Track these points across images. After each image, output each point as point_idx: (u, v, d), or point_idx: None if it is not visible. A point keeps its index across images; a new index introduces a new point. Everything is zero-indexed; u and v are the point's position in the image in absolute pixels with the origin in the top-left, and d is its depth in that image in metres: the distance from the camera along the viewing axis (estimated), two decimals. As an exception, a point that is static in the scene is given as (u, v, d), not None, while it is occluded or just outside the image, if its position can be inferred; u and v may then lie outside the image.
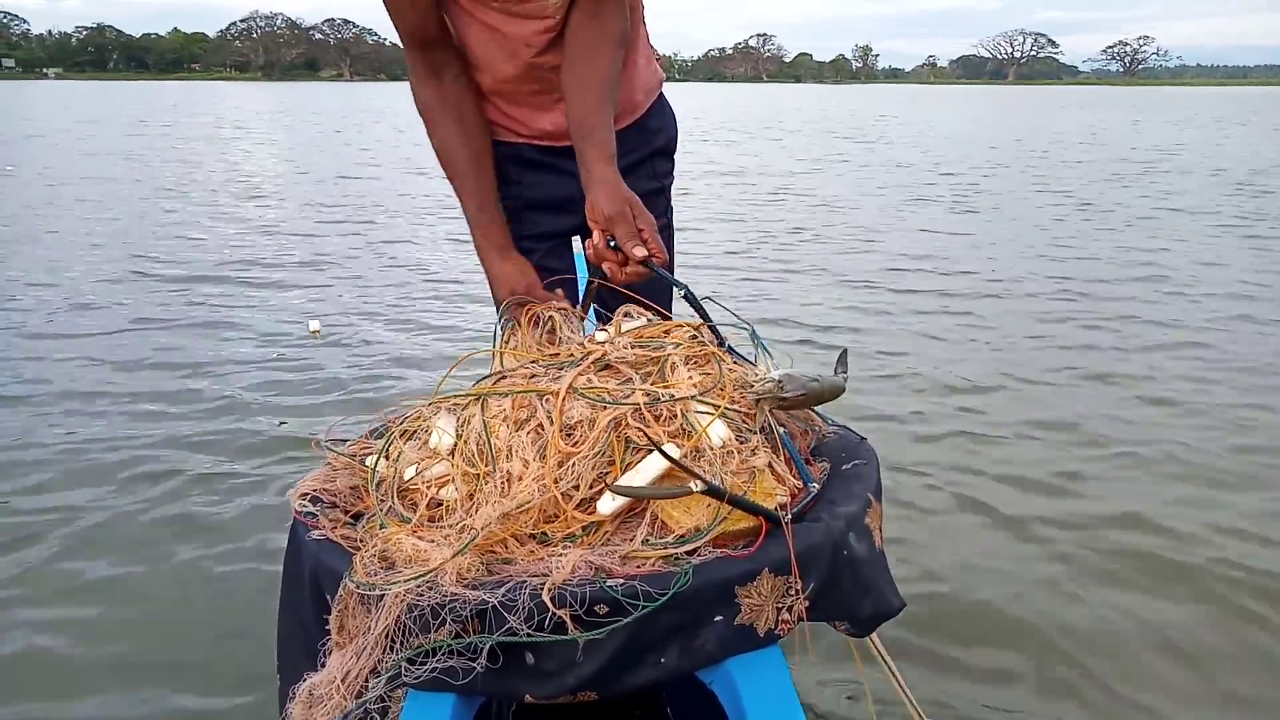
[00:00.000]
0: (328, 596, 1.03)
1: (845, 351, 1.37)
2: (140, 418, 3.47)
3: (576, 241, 1.75)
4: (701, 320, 1.33)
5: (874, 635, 1.17)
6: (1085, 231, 7.65)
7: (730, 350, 1.30)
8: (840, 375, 1.28)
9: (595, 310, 1.53)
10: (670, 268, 1.40)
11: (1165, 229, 7.79)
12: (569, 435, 1.11)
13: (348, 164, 13.40)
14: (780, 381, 1.09)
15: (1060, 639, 2.13)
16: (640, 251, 1.32)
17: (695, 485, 1.00)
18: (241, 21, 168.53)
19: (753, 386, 1.09)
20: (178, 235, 7.43)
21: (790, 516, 1.05)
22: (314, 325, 4.65)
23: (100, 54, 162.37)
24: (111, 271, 6.07)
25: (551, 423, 1.10)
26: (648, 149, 1.69)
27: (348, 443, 1.25)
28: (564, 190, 1.61)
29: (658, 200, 1.70)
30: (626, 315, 1.36)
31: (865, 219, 8.34)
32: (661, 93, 1.74)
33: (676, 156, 1.79)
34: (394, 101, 40.57)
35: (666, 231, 1.73)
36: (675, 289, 1.34)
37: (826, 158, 14.65)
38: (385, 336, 4.60)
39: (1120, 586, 2.36)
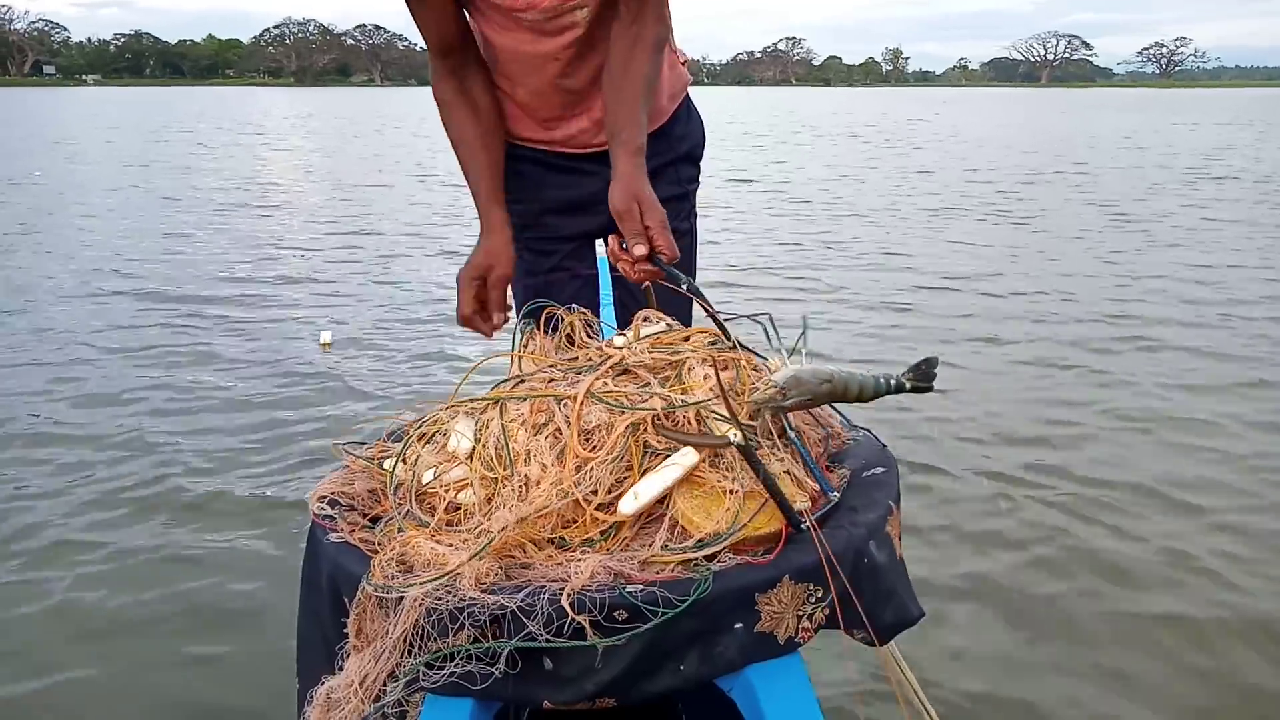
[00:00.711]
0: (346, 600, 1.03)
1: (931, 360, 1.22)
2: (149, 434, 3.44)
3: (600, 244, 1.74)
4: (707, 314, 1.31)
5: (892, 644, 1.15)
6: (1130, 246, 7.21)
7: (741, 346, 1.27)
8: (887, 378, 1.17)
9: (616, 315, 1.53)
10: (692, 274, 1.38)
11: (1217, 242, 7.28)
12: (587, 439, 1.10)
13: (364, 172, 13.35)
14: (784, 387, 1.07)
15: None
16: (640, 249, 1.30)
17: (734, 435, 0.99)
18: (275, 27, 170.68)
19: (753, 393, 1.06)
20: (190, 246, 7.41)
21: (813, 521, 1.04)
22: (325, 337, 4.59)
23: (137, 60, 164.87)
24: (119, 281, 6.07)
25: (569, 427, 1.10)
26: (672, 154, 1.69)
27: (365, 446, 1.25)
28: (584, 191, 1.64)
29: (680, 206, 1.70)
30: (645, 320, 1.35)
31: (895, 232, 8.05)
32: (688, 97, 1.73)
33: (702, 163, 1.78)
34: (420, 107, 40.67)
35: (688, 238, 1.72)
36: (679, 283, 1.31)
37: (855, 165, 14.31)
38: (398, 346, 4.54)
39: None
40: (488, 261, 1.52)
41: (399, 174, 13.12)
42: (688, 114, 1.73)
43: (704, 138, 1.76)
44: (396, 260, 6.82)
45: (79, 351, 4.49)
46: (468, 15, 1.54)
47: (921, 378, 1.19)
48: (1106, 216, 8.71)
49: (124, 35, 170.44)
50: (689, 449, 1.08)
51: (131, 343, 4.65)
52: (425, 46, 1.57)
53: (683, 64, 1.71)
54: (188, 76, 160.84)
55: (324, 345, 4.52)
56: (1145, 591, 2.40)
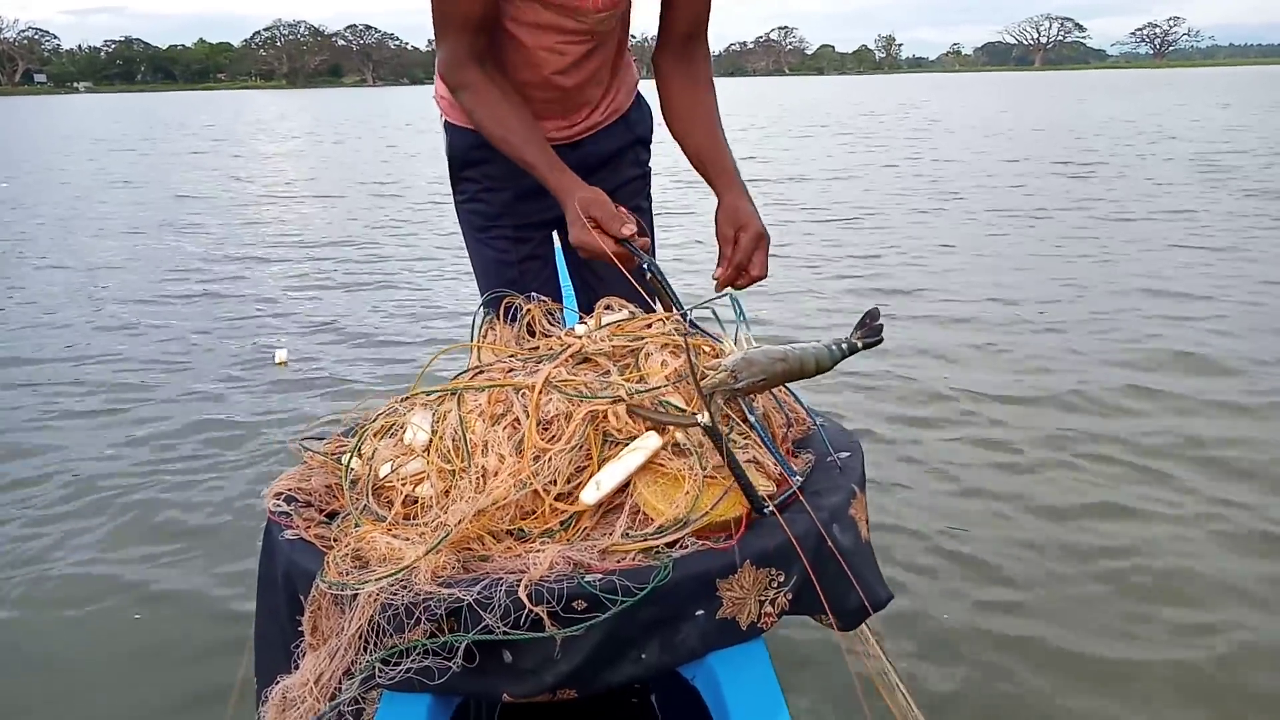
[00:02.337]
0: (301, 597, 1.02)
1: (873, 312, 1.22)
2: (99, 456, 3.30)
3: (557, 233, 1.81)
4: (667, 295, 1.32)
5: (865, 627, 1.14)
6: (1141, 256, 6.07)
7: (697, 327, 1.27)
8: (838, 343, 1.17)
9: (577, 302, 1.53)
10: (652, 251, 1.40)
11: (1247, 256, 5.99)
12: (546, 429, 1.09)
13: (326, 181, 12.64)
14: (734, 370, 1.05)
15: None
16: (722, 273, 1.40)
17: (701, 418, 0.98)
18: (265, 30, 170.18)
19: (703, 379, 1.04)
20: (145, 256, 7.12)
21: (772, 507, 1.03)
22: (280, 355, 4.36)
23: (129, 67, 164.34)
24: (72, 292, 5.86)
25: (528, 417, 1.08)
26: (631, 137, 1.80)
27: (324, 441, 1.24)
28: None
29: (642, 184, 1.84)
30: (607, 307, 1.34)
31: (874, 237, 7.15)
32: (639, 90, 1.84)
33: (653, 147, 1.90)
34: (406, 107, 40.16)
35: (648, 215, 1.85)
36: (642, 263, 1.33)
37: (836, 162, 13.25)
38: (357, 364, 4.30)
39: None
40: (596, 199, 1.42)
41: (367, 181, 12.37)
42: (639, 104, 1.83)
43: (653, 122, 1.86)
44: (358, 273, 6.46)
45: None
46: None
47: (870, 333, 1.19)
48: (1113, 218, 7.66)
49: (114, 42, 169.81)
50: (650, 434, 1.06)
51: (69, 369, 4.37)
52: (441, 30, 1.49)
53: (633, 60, 1.80)
54: (179, 81, 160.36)
55: (279, 364, 4.30)
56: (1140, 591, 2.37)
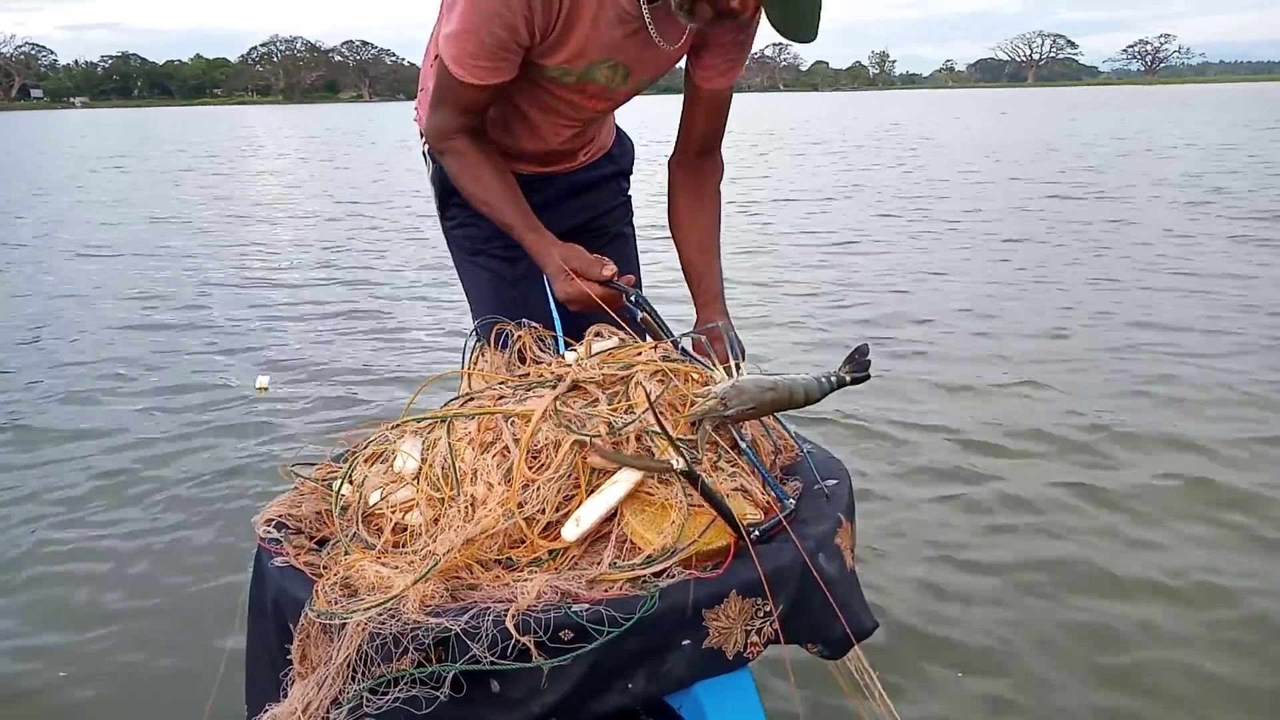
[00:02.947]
0: (290, 625, 1.02)
1: (862, 348, 1.24)
2: (80, 481, 3.22)
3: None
4: (656, 325, 1.35)
5: (857, 655, 1.14)
6: (1134, 291, 5.70)
7: (688, 354, 1.29)
8: (827, 376, 1.19)
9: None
10: (635, 270, 1.46)
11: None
12: (535, 458, 1.09)
13: (316, 200, 12.33)
14: (724, 398, 1.06)
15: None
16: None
17: (676, 462, 0.99)
18: (262, 46, 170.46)
19: (693, 405, 1.06)
20: (119, 280, 6.91)
21: (757, 535, 1.03)
22: (262, 381, 4.24)
23: (125, 82, 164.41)
24: (36, 315, 5.71)
25: (517, 445, 1.09)
26: (614, 168, 1.96)
27: (315, 467, 1.24)
28: (535, 199, 1.68)
29: (624, 211, 1.99)
30: (597, 335, 1.35)
31: (862, 264, 6.79)
32: (618, 125, 1.99)
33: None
34: (398, 123, 39.85)
35: (631, 240, 2.00)
36: (629, 297, 1.36)
37: (824, 182, 12.73)
38: (341, 390, 4.18)
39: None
40: (573, 251, 1.49)
41: (345, 203, 11.88)
42: (620, 140, 1.98)
43: (634, 157, 2.02)
44: (342, 293, 6.34)
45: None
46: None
47: (858, 368, 1.22)
48: (1121, 245, 7.23)
49: (111, 57, 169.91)
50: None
51: (46, 395, 4.21)
52: (438, 102, 1.56)
53: None
54: (176, 97, 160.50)
55: (260, 389, 4.19)
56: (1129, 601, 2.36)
